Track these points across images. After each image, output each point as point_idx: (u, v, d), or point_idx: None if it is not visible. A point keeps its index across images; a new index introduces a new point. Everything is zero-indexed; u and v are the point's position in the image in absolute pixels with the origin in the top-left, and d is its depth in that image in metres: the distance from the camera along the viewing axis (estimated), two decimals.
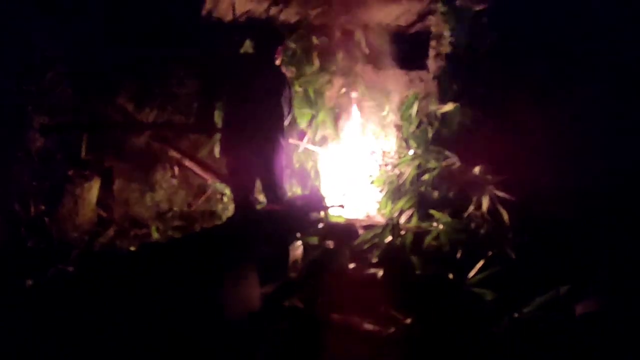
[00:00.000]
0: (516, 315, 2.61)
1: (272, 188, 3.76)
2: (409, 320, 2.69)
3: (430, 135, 5.13)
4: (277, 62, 3.96)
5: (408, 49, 7.34)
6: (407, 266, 3.23)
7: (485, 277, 2.98)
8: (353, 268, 3.28)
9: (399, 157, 5.19)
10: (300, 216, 3.54)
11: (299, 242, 3.34)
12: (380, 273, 3.24)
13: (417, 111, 5.32)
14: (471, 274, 3.04)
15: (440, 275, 3.03)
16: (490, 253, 3.19)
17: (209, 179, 5.37)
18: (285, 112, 3.91)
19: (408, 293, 3.01)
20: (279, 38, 4.16)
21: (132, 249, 4.06)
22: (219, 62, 4.40)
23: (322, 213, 3.84)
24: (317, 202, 3.89)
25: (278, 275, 3.22)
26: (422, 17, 6.89)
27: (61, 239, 4.00)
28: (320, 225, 3.69)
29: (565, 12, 5.34)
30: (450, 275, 3.08)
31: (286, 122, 3.96)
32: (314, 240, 3.46)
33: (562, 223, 3.57)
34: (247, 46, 5.67)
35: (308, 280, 3.16)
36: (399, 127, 5.45)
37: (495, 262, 3.18)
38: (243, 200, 3.77)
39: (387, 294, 3.08)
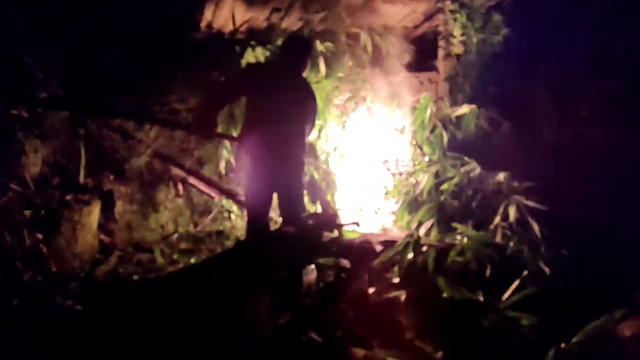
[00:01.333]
0: (563, 345, 2.32)
1: (292, 206, 3.53)
2: (439, 355, 2.41)
3: (445, 140, 4.85)
4: (305, 73, 3.74)
5: (417, 51, 7.10)
6: (432, 288, 2.94)
7: (521, 299, 2.69)
8: (372, 292, 3.00)
9: (414, 165, 4.93)
10: (315, 237, 3.27)
11: (312, 265, 3.07)
12: (403, 296, 2.96)
13: (430, 115, 5.04)
14: (505, 295, 2.75)
15: (470, 299, 2.74)
16: (525, 272, 2.89)
17: (215, 196, 5.13)
18: (310, 127, 3.70)
19: (435, 319, 2.73)
20: (310, 47, 3.93)
21: (136, 277, 3.81)
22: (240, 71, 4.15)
23: (336, 231, 3.56)
24: (330, 220, 3.62)
25: (292, 302, 2.95)
26: (429, 16, 6.63)
27: (60, 270, 3.76)
28: (335, 245, 3.42)
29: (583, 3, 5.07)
30: (481, 298, 2.78)
31: (308, 136, 3.75)
32: (329, 261, 3.19)
33: (598, 231, 3.27)
34: (250, 57, 5.47)
35: (324, 308, 2.89)
36: (412, 133, 5.18)
37: (529, 281, 2.89)
38: (259, 219, 3.52)
39: (412, 320, 2.80)
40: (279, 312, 2.88)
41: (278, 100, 3.47)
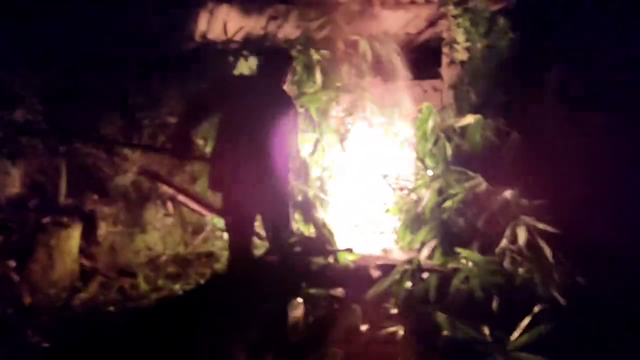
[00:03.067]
0: None
1: (275, 230, 3.25)
2: None
3: (449, 152, 4.54)
4: (285, 85, 3.52)
5: (420, 58, 6.81)
6: (432, 322, 2.64)
7: (532, 338, 2.37)
8: (367, 328, 2.70)
9: (416, 180, 4.62)
10: (302, 265, 2.97)
11: (299, 298, 2.77)
12: (401, 332, 2.65)
13: (433, 126, 4.73)
14: (515, 334, 2.43)
15: (474, 338, 2.43)
16: (537, 306, 2.57)
17: (207, 214, 4.86)
18: (292, 141, 3.48)
19: None
20: (290, 58, 3.76)
21: (111, 309, 3.54)
22: (212, 85, 3.90)
23: (328, 258, 3.27)
24: (320, 245, 3.32)
25: (276, 341, 2.66)
26: (432, 22, 6.35)
27: (34, 300, 3.50)
28: (326, 272, 3.12)
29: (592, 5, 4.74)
30: (488, 335, 2.47)
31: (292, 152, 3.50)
32: (319, 292, 2.89)
33: (621, 256, 2.95)
34: (244, 67, 5.22)
35: (313, 347, 2.59)
36: (413, 145, 4.87)
37: (541, 314, 2.57)
38: (241, 247, 3.25)
39: None
40: (261, 352, 2.60)
41: (252, 116, 3.23)
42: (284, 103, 3.46)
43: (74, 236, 3.97)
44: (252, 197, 3.27)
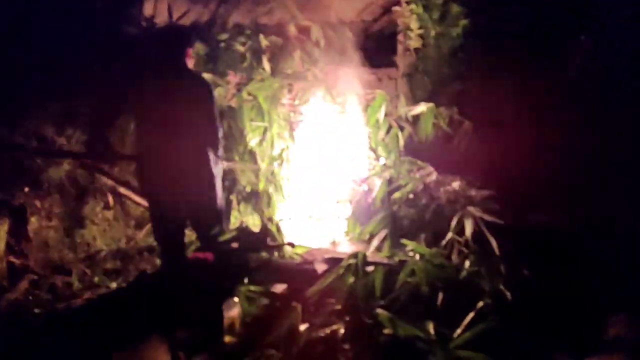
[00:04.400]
0: None
1: (206, 226, 3.06)
2: None
3: (401, 142, 4.43)
4: (190, 65, 3.27)
5: (375, 46, 6.69)
6: (375, 320, 2.51)
7: (476, 335, 2.27)
8: (306, 328, 2.55)
9: (368, 170, 4.50)
10: (239, 262, 2.80)
11: (235, 298, 2.60)
12: (342, 331, 2.52)
13: (386, 114, 4.60)
14: (458, 331, 2.33)
15: (416, 335, 2.32)
16: (482, 299, 2.48)
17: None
18: (211, 124, 3.21)
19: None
20: (185, 37, 3.46)
21: (37, 311, 3.30)
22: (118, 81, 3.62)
23: (272, 252, 3.10)
24: (262, 240, 3.16)
25: (209, 343, 2.49)
26: (387, 9, 6.24)
27: None
28: (267, 268, 2.96)
29: None
30: (431, 332, 2.36)
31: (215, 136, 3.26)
32: (257, 290, 2.73)
33: (571, 247, 2.88)
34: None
35: (249, 349, 2.44)
36: (366, 135, 4.74)
37: (488, 309, 2.48)
38: (170, 246, 3.05)
39: None
40: (193, 355, 2.43)
41: (160, 106, 3.02)
42: (192, 84, 3.23)
43: (0, 232, 3.69)
44: (174, 193, 3.07)
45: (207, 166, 3.14)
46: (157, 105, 3.04)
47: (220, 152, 3.24)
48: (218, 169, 3.23)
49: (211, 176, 3.17)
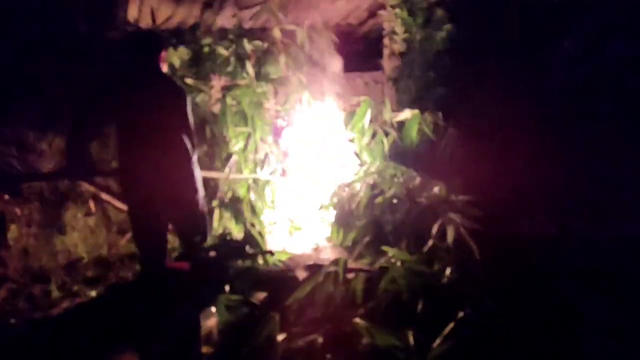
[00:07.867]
0: None
1: (187, 233, 3.02)
2: None
3: (386, 147, 4.43)
4: (164, 70, 3.23)
5: (361, 50, 6.69)
6: (354, 329, 2.49)
7: (454, 345, 2.25)
8: (284, 338, 2.51)
9: (353, 175, 4.47)
10: (218, 271, 2.76)
11: (213, 308, 2.57)
12: (320, 340, 2.49)
13: (371, 120, 4.59)
14: (437, 341, 2.31)
15: (395, 345, 2.29)
16: (460, 312, 2.46)
17: None
18: (187, 128, 3.18)
19: None
20: (158, 41, 3.40)
21: (13, 321, 3.23)
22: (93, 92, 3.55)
23: (253, 260, 3.06)
24: (243, 248, 3.12)
25: (186, 353, 2.45)
26: (373, 13, 6.25)
27: None
28: (247, 276, 2.92)
29: None
30: (410, 341, 2.34)
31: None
32: (236, 299, 2.69)
33: (550, 254, 2.87)
34: (174, 58, 4.95)
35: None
36: (351, 140, 4.72)
37: (468, 318, 2.45)
38: (151, 254, 3.01)
39: None
40: None
41: (137, 114, 2.99)
42: (167, 89, 3.19)
43: None
44: (156, 198, 3.04)
45: (188, 169, 3.12)
46: (133, 111, 3.00)
47: (195, 157, 3.21)
48: (197, 172, 3.20)
49: (193, 179, 3.14)
